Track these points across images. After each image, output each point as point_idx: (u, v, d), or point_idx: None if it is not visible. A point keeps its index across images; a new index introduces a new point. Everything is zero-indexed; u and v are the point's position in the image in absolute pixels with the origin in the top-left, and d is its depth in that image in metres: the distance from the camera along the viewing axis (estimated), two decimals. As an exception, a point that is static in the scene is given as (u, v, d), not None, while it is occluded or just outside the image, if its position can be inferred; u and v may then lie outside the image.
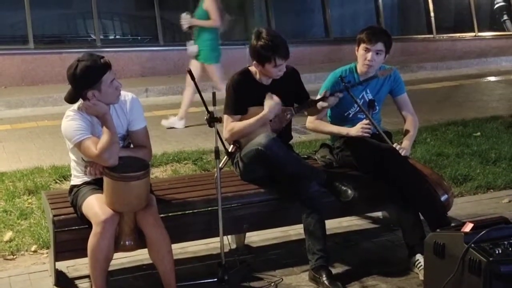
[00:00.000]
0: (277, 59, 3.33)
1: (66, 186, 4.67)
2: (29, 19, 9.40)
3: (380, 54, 3.65)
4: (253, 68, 3.49)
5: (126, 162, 2.94)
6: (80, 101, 3.01)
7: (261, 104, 3.41)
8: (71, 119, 2.99)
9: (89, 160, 3.01)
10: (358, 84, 3.64)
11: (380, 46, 3.63)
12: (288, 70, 3.51)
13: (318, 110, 3.55)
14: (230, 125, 3.42)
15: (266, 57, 3.34)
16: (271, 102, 3.36)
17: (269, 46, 3.31)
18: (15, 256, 3.65)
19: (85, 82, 2.93)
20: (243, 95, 3.44)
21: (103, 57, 2.97)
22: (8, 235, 3.86)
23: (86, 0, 9.88)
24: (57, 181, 4.89)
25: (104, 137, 2.91)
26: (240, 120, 3.45)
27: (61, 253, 3.14)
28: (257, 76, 3.48)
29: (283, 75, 3.47)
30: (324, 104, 3.40)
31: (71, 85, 2.99)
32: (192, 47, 6.75)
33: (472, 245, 2.53)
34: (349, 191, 3.34)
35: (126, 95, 3.13)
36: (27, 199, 4.51)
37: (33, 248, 3.71)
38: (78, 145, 2.95)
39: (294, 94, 3.55)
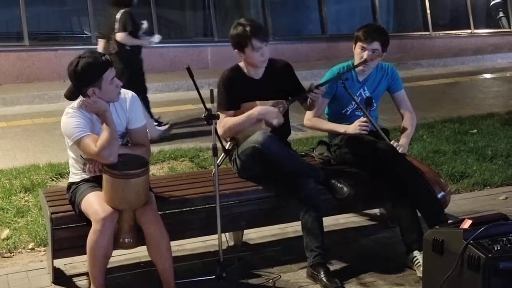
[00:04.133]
0: (253, 41, 3.35)
1: (62, 183, 4.67)
2: (24, 15, 9.36)
3: (377, 52, 3.64)
4: (242, 64, 3.50)
5: (125, 159, 2.93)
6: (80, 98, 3.00)
7: (252, 99, 3.42)
8: (70, 116, 2.98)
9: (88, 158, 3.01)
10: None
11: (376, 45, 3.62)
12: (280, 64, 3.53)
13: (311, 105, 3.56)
14: (223, 121, 3.42)
15: (243, 42, 3.37)
16: (264, 107, 3.37)
17: (245, 30, 3.35)
18: (12, 254, 3.64)
19: (86, 79, 2.92)
20: (234, 90, 3.45)
21: (104, 54, 2.98)
22: (5, 232, 3.86)
23: (81, -3, 9.85)
24: (54, 178, 4.87)
25: (104, 135, 2.90)
26: (234, 115, 3.45)
27: (59, 251, 3.13)
28: (247, 71, 3.48)
29: (275, 69, 3.48)
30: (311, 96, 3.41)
31: (72, 82, 2.98)
32: None
33: (471, 241, 2.54)
34: (345, 189, 3.34)
35: (126, 93, 3.12)
36: (24, 196, 4.50)
37: (30, 246, 3.70)
38: (78, 143, 2.95)
39: (288, 88, 3.55)
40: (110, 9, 6.11)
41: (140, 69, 6.19)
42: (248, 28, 3.35)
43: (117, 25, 5.91)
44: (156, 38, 6.36)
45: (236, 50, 3.44)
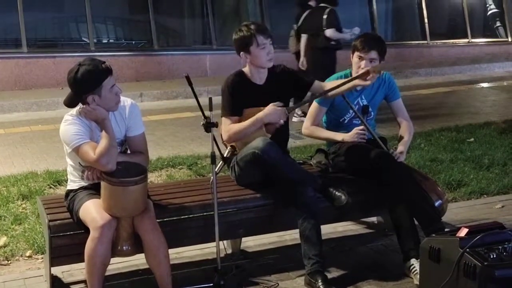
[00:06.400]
0: (258, 37, 3.37)
1: (60, 191, 4.67)
2: (22, 22, 9.39)
3: (374, 62, 3.66)
4: (246, 69, 3.51)
5: (124, 167, 2.94)
6: (79, 106, 3.02)
7: (256, 104, 3.42)
8: (69, 123, 2.99)
9: (87, 165, 3.01)
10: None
11: (373, 54, 3.64)
12: (280, 69, 3.55)
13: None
14: (228, 126, 3.42)
15: (248, 40, 3.38)
16: (271, 108, 3.38)
17: (248, 29, 3.40)
18: (9, 262, 3.63)
19: (86, 87, 2.93)
20: (238, 96, 3.46)
21: (104, 62, 2.98)
22: (2, 240, 3.85)
23: (80, 4, 9.87)
24: (51, 186, 4.87)
25: (103, 142, 2.91)
26: (239, 121, 3.46)
27: (56, 258, 3.13)
28: (251, 77, 3.50)
29: (276, 74, 3.50)
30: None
31: (71, 89, 2.98)
32: None
33: (467, 249, 2.55)
34: (343, 197, 3.35)
35: (125, 100, 3.13)
36: (21, 204, 4.49)
37: (27, 253, 3.70)
38: (76, 150, 2.95)
39: (292, 90, 3.56)
40: (316, 8, 6.94)
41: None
42: (251, 26, 3.41)
43: (324, 23, 6.72)
44: (356, 30, 6.93)
45: (241, 53, 3.45)
